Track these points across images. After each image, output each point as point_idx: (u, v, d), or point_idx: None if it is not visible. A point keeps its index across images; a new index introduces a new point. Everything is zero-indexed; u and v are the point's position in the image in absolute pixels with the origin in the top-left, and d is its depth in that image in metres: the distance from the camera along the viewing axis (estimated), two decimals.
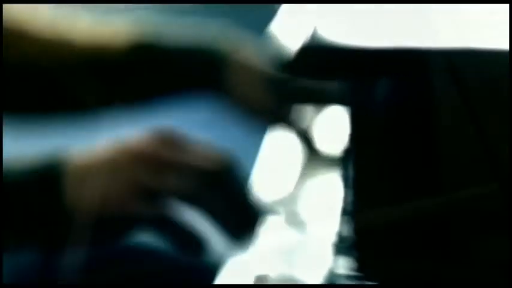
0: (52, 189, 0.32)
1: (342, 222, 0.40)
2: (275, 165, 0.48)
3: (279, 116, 0.48)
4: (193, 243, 0.33)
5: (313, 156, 0.48)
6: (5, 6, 0.48)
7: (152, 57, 0.48)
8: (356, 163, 0.44)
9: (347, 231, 0.38)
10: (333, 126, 0.49)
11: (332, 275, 0.36)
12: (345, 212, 0.41)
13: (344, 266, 0.37)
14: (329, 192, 0.44)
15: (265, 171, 0.47)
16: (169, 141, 0.33)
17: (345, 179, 0.44)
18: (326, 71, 0.46)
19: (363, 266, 0.39)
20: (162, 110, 0.51)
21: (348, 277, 0.37)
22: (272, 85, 0.46)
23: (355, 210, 0.41)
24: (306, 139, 0.48)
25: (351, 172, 0.42)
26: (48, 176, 0.33)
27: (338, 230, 0.39)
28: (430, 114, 0.41)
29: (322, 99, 0.47)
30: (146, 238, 0.37)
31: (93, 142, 0.33)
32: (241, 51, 0.48)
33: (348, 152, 0.45)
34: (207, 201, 0.32)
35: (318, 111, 0.49)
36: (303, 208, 0.42)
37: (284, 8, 0.57)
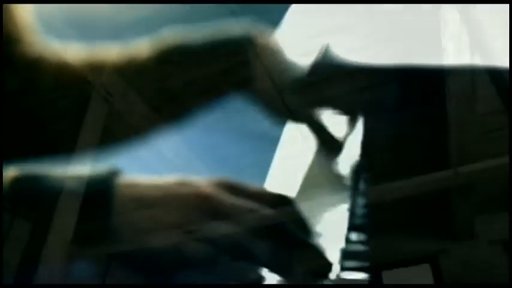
0: (104, 201, 0.36)
1: (355, 197, 0.41)
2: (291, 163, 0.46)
3: (302, 111, 0.48)
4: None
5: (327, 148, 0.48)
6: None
7: (181, 54, 0.50)
8: (367, 143, 0.45)
9: (360, 206, 0.39)
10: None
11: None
12: (358, 187, 0.41)
13: (356, 240, 0.38)
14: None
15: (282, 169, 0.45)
16: (227, 186, 0.35)
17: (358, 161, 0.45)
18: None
19: (373, 240, 0.39)
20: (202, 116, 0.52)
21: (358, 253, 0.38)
22: (297, 71, 0.47)
23: (367, 185, 0.42)
24: (321, 132, 0.48)
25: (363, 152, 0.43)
26: (101, 190, 0.36)
27: (351, 205, 0.40)
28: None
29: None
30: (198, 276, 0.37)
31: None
32: (264, 37, 0.48)
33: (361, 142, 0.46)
34: (262, 245, 0.33)
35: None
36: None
37: (293, 18, 0.58)
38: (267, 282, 0.32)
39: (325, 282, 0.33)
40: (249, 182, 0.36)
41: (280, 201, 0.34)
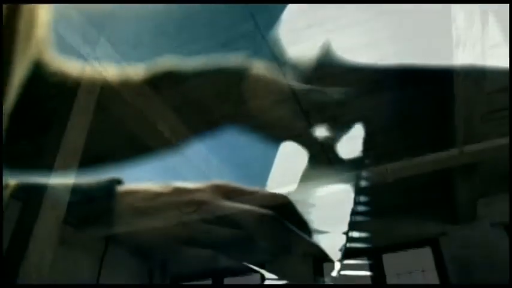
0: (109, 197, 0.39)
1: (359, 176, 0.40)
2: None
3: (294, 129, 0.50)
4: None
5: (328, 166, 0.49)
6: None
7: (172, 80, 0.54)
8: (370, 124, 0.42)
9: (363, 184, 0.39)
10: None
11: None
12: (361, 167, 0.41)
13: (357, 223, 0.38)
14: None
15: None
16: (224, 190, 0.36)
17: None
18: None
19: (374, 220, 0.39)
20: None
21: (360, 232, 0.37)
22: (290, 96, 0.49)
23: (370, 164, 0.41)
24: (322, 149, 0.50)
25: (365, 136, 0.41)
26: (106, 191, 0.39)
27: (353, 187, 0.40)
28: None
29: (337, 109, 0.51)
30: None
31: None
32: (255, 68, 0.51)
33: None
34: (262, 238, 0.34)
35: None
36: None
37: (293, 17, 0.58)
38: (267, 277, 0.33)
39: (325, 273, 0.30)
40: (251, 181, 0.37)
41: (280, 197, 0.36)
